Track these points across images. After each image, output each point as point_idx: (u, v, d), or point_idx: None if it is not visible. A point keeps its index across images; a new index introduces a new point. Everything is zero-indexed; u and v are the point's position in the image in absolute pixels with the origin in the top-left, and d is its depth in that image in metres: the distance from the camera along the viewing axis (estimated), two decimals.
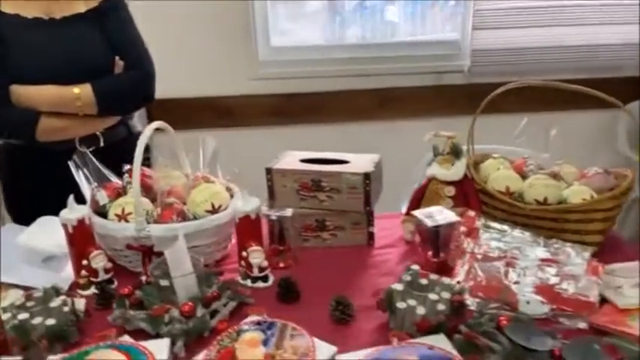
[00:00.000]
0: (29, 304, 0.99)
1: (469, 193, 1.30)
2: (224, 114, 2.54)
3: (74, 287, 1.16)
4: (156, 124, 1.19)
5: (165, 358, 0.89)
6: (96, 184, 1.24)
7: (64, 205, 1.14)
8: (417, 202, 1.36)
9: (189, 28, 2.43)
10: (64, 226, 1.13)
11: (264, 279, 1.16)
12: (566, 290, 1.01)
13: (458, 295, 0.98)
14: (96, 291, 1.11)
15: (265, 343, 0.93)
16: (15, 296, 1.04)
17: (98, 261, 1.13)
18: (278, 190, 1.31)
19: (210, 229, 1.18)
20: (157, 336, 0.96)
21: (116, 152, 1.36)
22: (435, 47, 2.58)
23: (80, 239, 1.14)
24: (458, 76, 2.55)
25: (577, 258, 1.10)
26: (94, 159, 1.26)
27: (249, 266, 1.15)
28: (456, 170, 1.31)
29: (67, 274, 1.20)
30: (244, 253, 1.16)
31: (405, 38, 2.61)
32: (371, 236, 1.32)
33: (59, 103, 1.39)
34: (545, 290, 1.01)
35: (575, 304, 0.99)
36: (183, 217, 1.18)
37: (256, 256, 1.14)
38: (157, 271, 1.05)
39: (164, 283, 1.02)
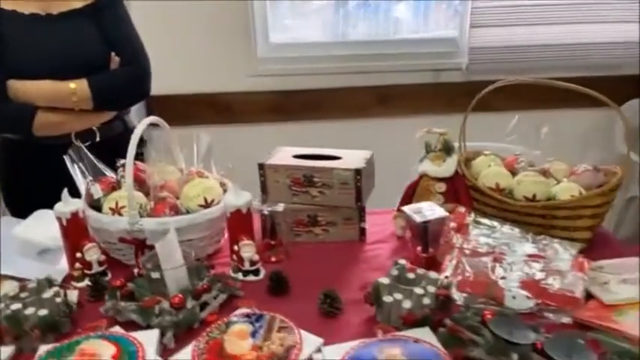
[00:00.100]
0: (23, 295, 1.01)
1: (460, 190, 1.31)
2: (222, 110, 2.56)
3: (68, 279, 1.17)
4: (150, 119, 1.21)
5: (155, 348, 0.91)
6: (91, 178, 1.26)
7: (60, 199, 1.16)
8: (408, 198, 1.37)
9: (189, 25, 2.44)
10: (59, 219, 1.15)
11: (255, 272, 1.18)
12: (551, 285, 1.02)
13: (444, 290, 0.99)
14: (89, 283, 1.13)
15: (253, 334, 0.95)
16: (10, 287, 1.06)
17: (92, 254, 1.15)
18: (271, 185, 1.33)
19: (202, 224, 1.20)
20: (148, 327, 0.98)
21: (112, 147, 1.37)
22: (433, 45, 2.58)
23: (74, 232, 1.16)
24: (456, 73, 2.55)
25: (564, 254, 1.11)
26: (89, 153, 1.28)
27: (241, 260, 1.17)
28: (447, 167, 1.32)
29: (61, 266, 1.22)
30: (236, 247, 1.17)
31: (407, 36, 2.62)
32: (362, 232, 1.33)
33: (55, 97, 1.41)
34: (531, 285, 1.03)
35: (560, 299, 1.00)
36: (176, 211, 1.19)
37: (247, 250, 1.16)
38: (148, 264, 1.07)
39: (155, 275, 1.04)
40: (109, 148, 1.38)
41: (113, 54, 1.49)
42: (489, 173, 1.30)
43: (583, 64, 2.53)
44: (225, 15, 2.43)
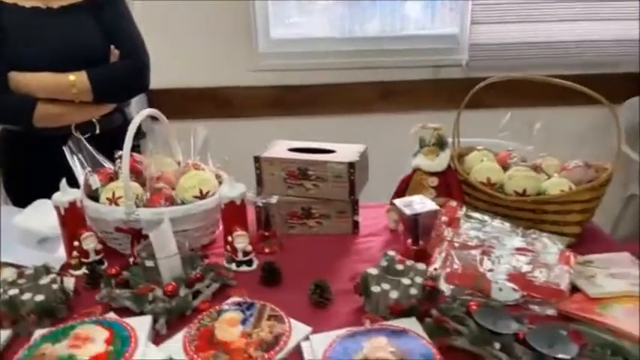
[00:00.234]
0: (20, 281, 1.04)
1: (452, 184, 1.33)
2: (223, 105, 2.58)
3: (66, 267, 1.20)
4: (147, 111, 1.23)
5: (147, 334, 0.93)
6: (89, 169, 1.28)
7: (59, 189, 1.19)
8: (402, 191, 1.39)
9: (191, 20, 2.46)
10: (57, 208, 1.18)
11: (249, 263, 1.20)
12: (537, 278, 1.04)
13: (430, 280, 1.01)
14: (86, 271, 1.15)
15: (244, 322, 0.97)
16: (8, 274, 1.09)
17: (89, 242, 1.18)
18: (266, 178, 1.35)
19: (197, 214, 1.22)
20: (141, 314, 1.00)
21: (112, 139, 1.39)
22: (434, 41, 2.59)
23: (72, 221, 1.19)
24: (456, 70, 2.56)
25: (552, 248, 1.12)
26: (88, 145, 1.30)
27: (234, 250, 1.19)
28: (440, 161, 1.34)
29: (59, 254, 1.25)
30: (229, 238, 1.19)
31: (408, 32, 2.63)
32: (356, 225, 1.35)
33: (55, 89, 1.44)
34: (517, 278, 1.04)
35: (545, 292, 1.02)
36: (172, 201, 1.22)
37: (240, 240, 1.18)
38: (143, 253, 1.09)
39: (149, 264, 1.06)
40: (109, 139, 1.40)
41: (113, 47, 1.51)
42: (481, 168, 1.31)
43: (583, 61, 2.54)
44: (227, 10, 2.45)
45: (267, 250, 1.27)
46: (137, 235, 1.19)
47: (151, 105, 2.15)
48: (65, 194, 1.18)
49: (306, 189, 1.32)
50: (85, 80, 1.45)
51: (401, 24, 2.63)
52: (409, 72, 2.56)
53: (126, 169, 1.15)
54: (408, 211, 1.18)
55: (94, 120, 1.53)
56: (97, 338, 0.91)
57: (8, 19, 1.43)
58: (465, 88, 1.33)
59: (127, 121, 1.60)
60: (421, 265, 1.05)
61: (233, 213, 1.21)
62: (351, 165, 1.28)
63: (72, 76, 1.43)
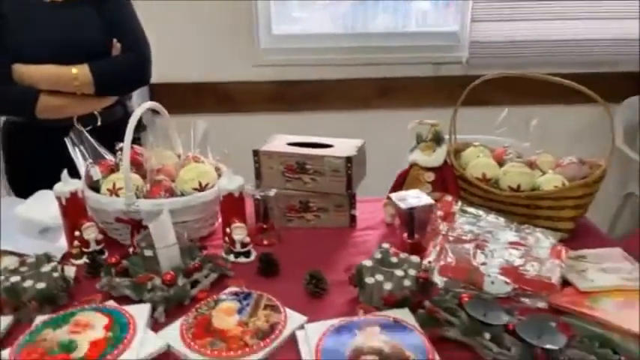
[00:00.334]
0: (22, 269, 1.06)
1: (448, 179, 1.35)
2: (225, 99, 2.60)
3: (68, 257, 1.22)
4: (148, 104, 1.25)
5: (145, 321, 0.95)
6: (91, 160, 1.30)
7: (61, 180, 1.21)
8: (399, 186, 1.41)
9: (193, 15, 2.47)
10: (58, 198, 1.20)
11: (247, 254, 1.22)
12: (529, 271, 1.05)
13: (424, 272, 1.03)
14: (87, 260, 1.18)
15: (241, 311, 0.99)
16: (10, 262, 1.11)
17: (90, 232, 1.20)
18: (265, 171, 1.37)
19: (196, 206, 1.24)
20: (140, 302, 1.02)
21: (113, 131, 1.41)
22: (435, 38, 2.61)
23: (73, 211, 1.21)
24: (456, 67, 2.58)
25: (545, 242, 1.14)
26: (89, 137, 1.32)
27: (232, 242, 1.21)
28: (436, 157, 1.36)
29: (61, 244, 1.27)
30: (228, 230, 1.21)
31: (408, 29, 2.64)
32: (353, 218, 1.37)
33: (58, 82, 1.46)
34: (509, 271, 1.06)
35: (536, 285, 1.04)
36: (171, 193, 1.24)
37: (239, 232, 1.20)
38: (143, 243, 1.11)
39: (148, 253, 1.08)
40: (110, 132, 1.42)
41: (115, 41, 1.53)
42: (477, 164, 1.33)
43: (583, 60, 2.54)
44: (229, 5, 2.46)
45: (265, 242, 1.29)
46: (137, 225, 1.21)
47: (152, 99, 2.17)
48: (67, 185, 1.21)
49: (304, 183, 1.34)
50: (88, 73, 1.47)
51: (403, 21, 2.64)
52: (409, 69, 2.58)
53: (126, 161, 1.17)
54: (403, 205, 1.20)
55: (95, 112, 1.55)
56: (97, 325, 0.93)
57: (13, 11, 1.45)
58: (465, 85, 1.34)
59: (127, 114, 1.62)
60: (415, 258, 1.07)
61: (231, 205, 1.23)
62: (348, 159, 1.29)
63: (74, 69, 1.45)
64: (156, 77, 1.64)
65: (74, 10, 1.50)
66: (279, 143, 1.40)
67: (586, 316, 0.98)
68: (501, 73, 1.29)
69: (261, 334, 0.93)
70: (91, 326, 0.92)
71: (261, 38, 2.54)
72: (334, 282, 1.11)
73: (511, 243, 1.13)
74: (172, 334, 0.94)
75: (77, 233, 1.19)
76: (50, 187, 1.24)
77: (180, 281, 1.05)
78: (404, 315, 0.97)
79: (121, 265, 1.09)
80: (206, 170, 1.29)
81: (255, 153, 1.36)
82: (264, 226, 1.32)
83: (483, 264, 1.09)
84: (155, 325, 0.98)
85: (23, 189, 1.47)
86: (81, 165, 1.30)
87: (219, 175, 1.31)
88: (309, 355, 0.89)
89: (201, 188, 1.25)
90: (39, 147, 1.53)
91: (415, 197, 1.23)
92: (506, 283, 1.04)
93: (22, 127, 1.56)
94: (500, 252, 1.11)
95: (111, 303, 1.02)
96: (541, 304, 1.02)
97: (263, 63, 2.55)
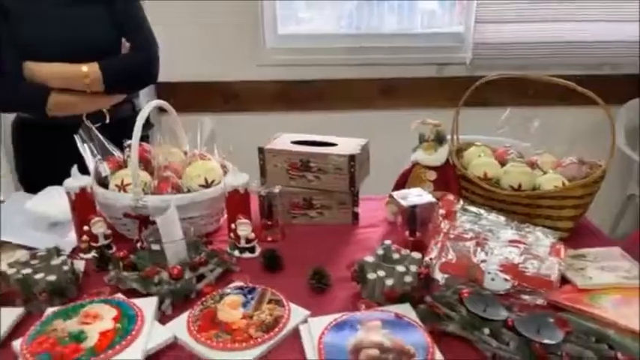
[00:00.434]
0: (33, 261, 1.09)
1: (449, 178, 1.37)
2: (230, 98, 2.63)
3: (77, 251, 1.25)
4: (155, 102, 1.27)
5: (153, 314, 0.98)
6: (99, 157, 1.33)
7: (70, 176, 1.24)
8: (401, 185, 1.43)
9: (200, 15, 2.51)
10: (68, 193, 1.23)
11: (251, 250, 1.24)
12: (528, 269, 1.07)
13: (425, 269, 1.05)
14: (95, 255, 1.20)
15: (245, 305, 1.02)
16: (21, 255, 1.14)
17: (98, 227, 1.23)
18: (269, 169, 1.39)
19: (203, 202, 1.26)
20: (148, 295, 1.05)
21: (121, 129, 1.43)
22: (439, 39, 2.63)
23: (82, 206, 1.24)
24: (460, 68, 2.60)
25: (544, 240, 1.16)
26: (98, 134, 1.35)
27: (237, 237, 1.23)
28: (438, 156, 1.38)
29: (70, 239, 1.29)
30: (233, 225, 1.24)
31: (413, 30, 2.66)
32: (355, 216, 1.39)
33: (68, 80, 1.49)
34: (509, 268, 1.08)
35: (536, 282, 1.06)
36: (178, 189, 1.26)
37: (243, 228, 1.22)
38: (150, 238, 1.14)
39: (156, 247, 1.11)
40: (118, 129, 1.44)
41: (124, 39, 1.56)
42: (479, 163, 1.35)
43: (585, 62, 2.56)
44: (236, 5, 2.49)
45: (269, 239, 1.32)
46: (144, 220, 1.23)
47: (159, 97, 2.20)
48: (76, 180, 1.23)
49: (308, 180, 1.37)
50: (98, 71, 1.50)
51: (408, 22, 2.66)
52: (413, 69, 2.60)
53: (135, 158, 1.19)
54: (405, 203, 1.22)
55: (104, 110, 1.58)
56: (106, 316, 0.95)
57: (23, 10, 1.48)
58: (468, 86, 1.36)
59: (135, 112, 1.64)
60: (416, 254, 1.09)
61: (237, 201, 1.25)
62: (351, 158, 1.32)
63: (85, 67, 1.48)
64: (163, 76, 1.67)
65: (84, 9, 1.53)
66: (283, 141, 1.43)
67: (584, 312, 0.99)
68: (503, 74, 1.31)
69: (265, 327, 0.95)
70: (100, 317, 0.95)
71: (267, 38, 2.57)
72: (337, 278, 1.13)
73: (511, 241, 1.15)
74: (179, 326, 0.97)
75: (86, 228, 1.22)
76: (60, 183, 1.26)
77: (187, 275, 1.08)
78: (405, 310, 0.99)
79: (129, 259, 1.12)
80: (212, 167, 1.31)
81: (261, 151, 1.39)
82: (269, 222, 1.34)
83: (483, 261, 1.11)
84: (162, 318, 1.01)
85: (33, 185, 1.50)
86: (90, 161, 1.32)
87: (225, 173, 1.34)
88: (311, 349, 0.91)
89: (208, 185, 1.27)
90: (49, 144, 1.55)
91: (417, 195, 1.25)
92: (506, 280, 1.07)
93: (33, 124, 1.59)
94: (501, 250, 1.13)
95: (119, 296, 1.04)
96: (540, 301, 1.04)
97: (269, 62, 2.57)
